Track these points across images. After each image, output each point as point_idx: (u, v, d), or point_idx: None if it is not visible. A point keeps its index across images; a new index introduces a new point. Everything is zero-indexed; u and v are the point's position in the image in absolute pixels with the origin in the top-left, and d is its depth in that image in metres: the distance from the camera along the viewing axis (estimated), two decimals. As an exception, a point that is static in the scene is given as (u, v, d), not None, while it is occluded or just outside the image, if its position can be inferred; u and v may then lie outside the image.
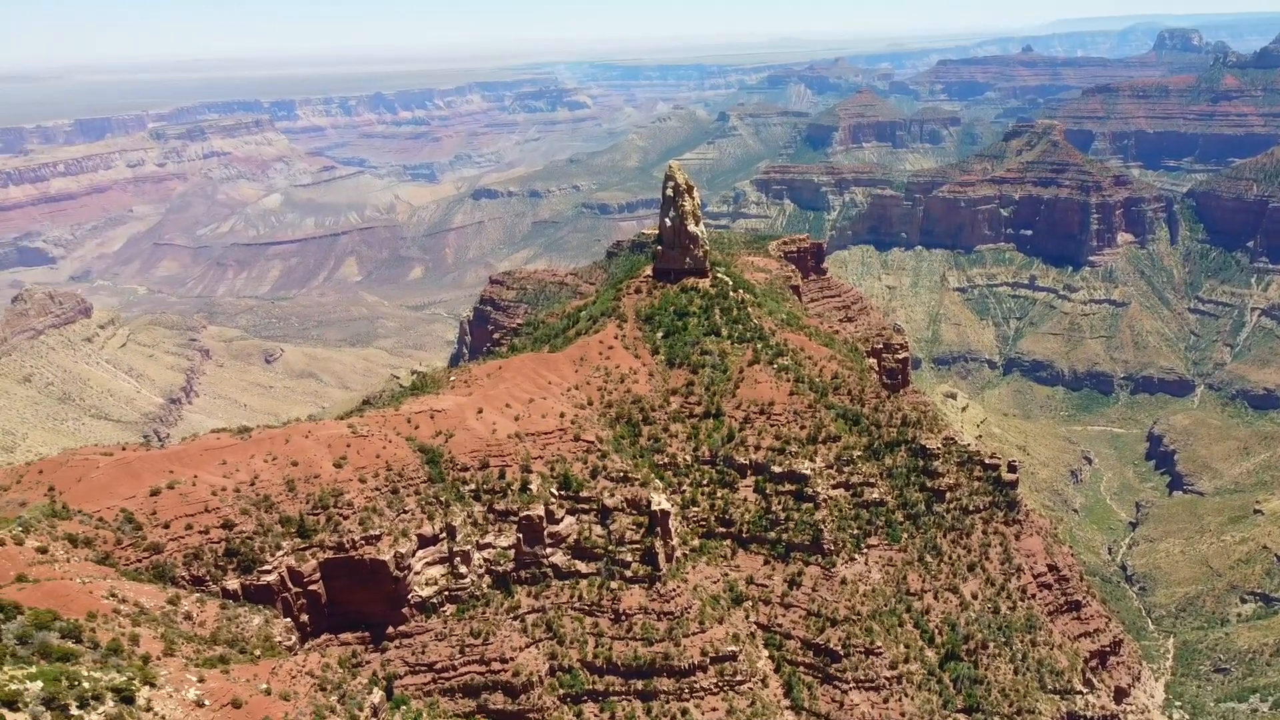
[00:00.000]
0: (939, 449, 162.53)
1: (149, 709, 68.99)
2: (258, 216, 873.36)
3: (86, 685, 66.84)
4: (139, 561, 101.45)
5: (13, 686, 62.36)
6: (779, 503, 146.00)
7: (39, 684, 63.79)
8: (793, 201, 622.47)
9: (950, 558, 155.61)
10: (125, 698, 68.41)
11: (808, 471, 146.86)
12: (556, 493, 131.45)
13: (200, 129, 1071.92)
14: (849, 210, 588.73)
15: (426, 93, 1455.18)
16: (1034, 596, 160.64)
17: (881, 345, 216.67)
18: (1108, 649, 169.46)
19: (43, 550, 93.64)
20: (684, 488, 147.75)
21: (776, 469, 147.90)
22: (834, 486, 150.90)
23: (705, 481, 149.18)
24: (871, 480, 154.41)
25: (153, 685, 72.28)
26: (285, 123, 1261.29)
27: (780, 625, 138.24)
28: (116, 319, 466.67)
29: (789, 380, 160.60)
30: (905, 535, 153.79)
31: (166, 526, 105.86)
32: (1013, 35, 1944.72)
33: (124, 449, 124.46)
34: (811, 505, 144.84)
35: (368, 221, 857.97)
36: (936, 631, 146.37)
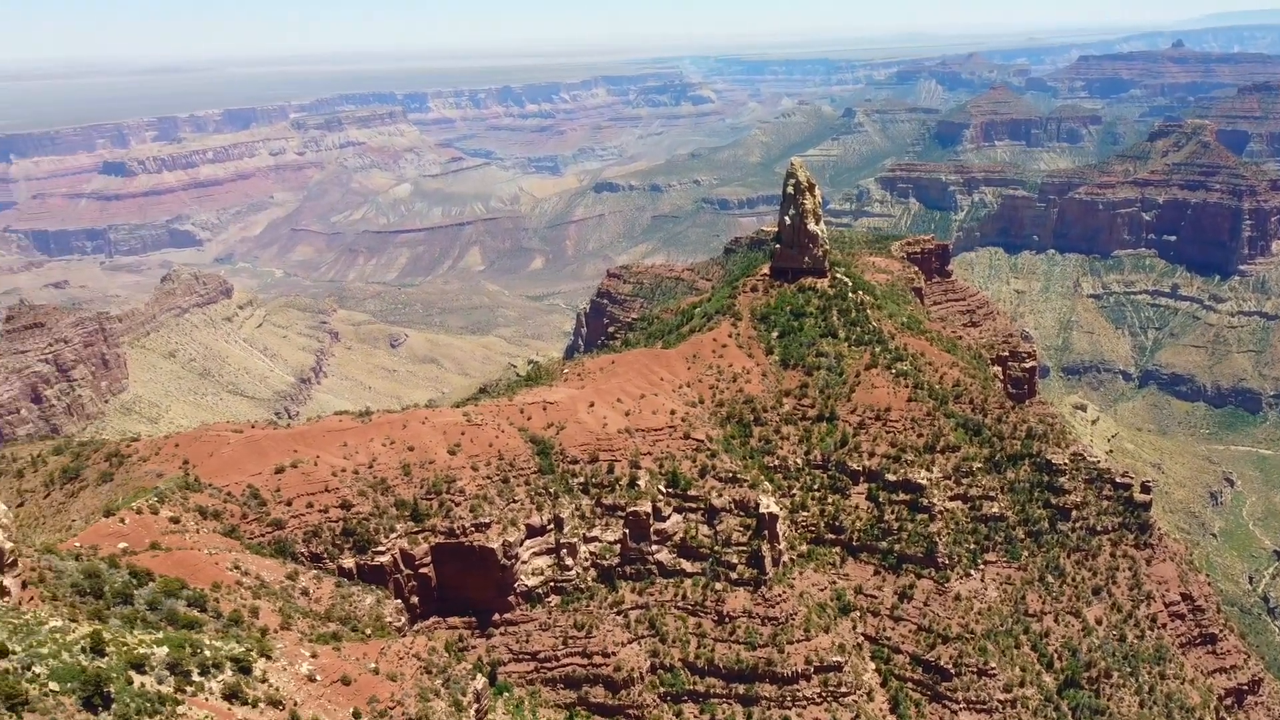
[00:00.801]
0: (1066, 464, 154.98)
1: (264, 680, 71.58)
2: (388, 205, 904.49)
3: (208, 654, 69.74)
4: (262, 536, 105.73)
5: (141, 650, 65.55)
6: (892, 512, 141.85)
7: (165, 649, 66.91)
8: (918, 201, 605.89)
9: (1074, 580, 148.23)
10: (243, 668, 71.13)
11: (924, 481, 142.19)
12: (664, 490, 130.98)
13: (338, 120, 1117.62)
14: (978, 211, 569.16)
15: (553, 86, 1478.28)
16: (1164, 626, 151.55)
17: (1007, 353, 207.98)
18: (1245, 687, 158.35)
19: (175, 520, 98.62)
20: (794, 491, 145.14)
21: (891, 477, 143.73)
22: (951, 498, 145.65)
23: (816, 486, 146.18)
24: (991, 494, 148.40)
25: (269, 658, 74.94)
26: (417, 115, 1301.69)
27: (889, 638, 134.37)
28: (255, 300, 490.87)
29: (907, 386, 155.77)
30: (1026, 553, 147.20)
31: (289, 504, 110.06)
32: (1162, 29, 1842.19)
33: (253, 426, 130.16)
34: (926, 516, 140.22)
35: (492, 212, 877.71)
36: (1056, 656, 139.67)
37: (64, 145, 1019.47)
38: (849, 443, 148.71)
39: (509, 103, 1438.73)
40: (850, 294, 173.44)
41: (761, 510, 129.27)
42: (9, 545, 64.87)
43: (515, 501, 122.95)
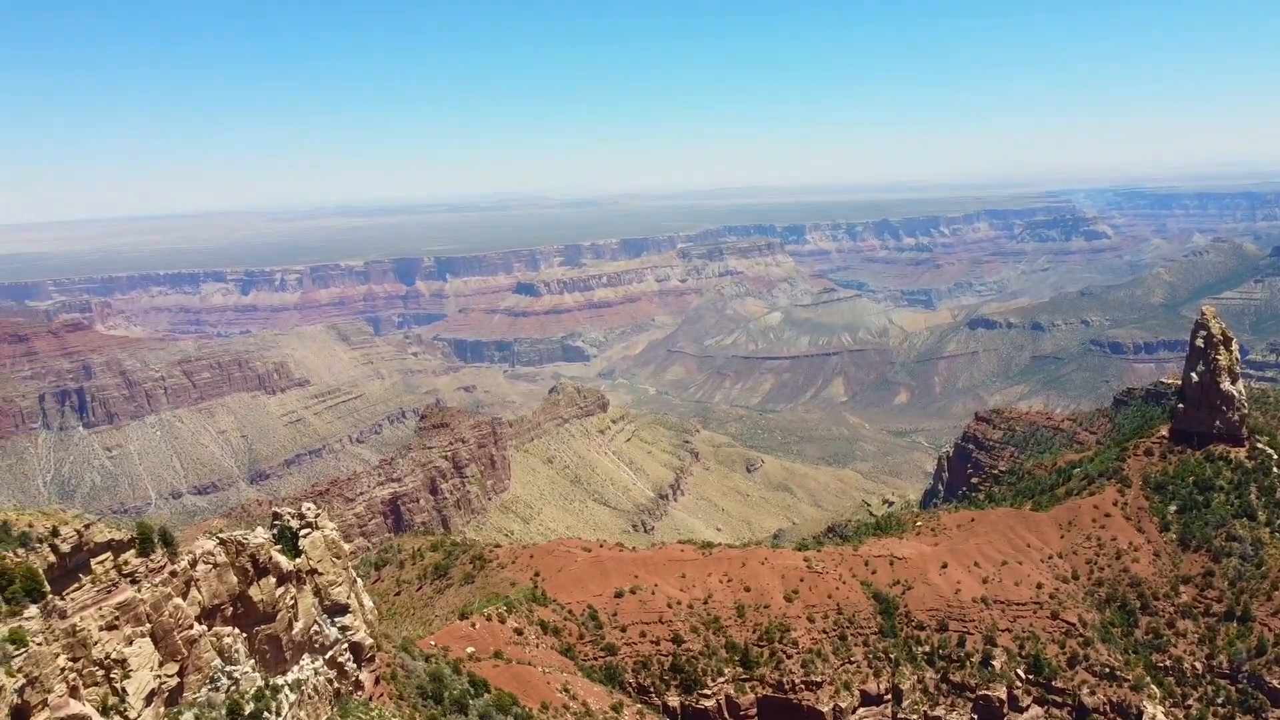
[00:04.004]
0: None
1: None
2: (759, 332, 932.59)
3: (524, 780, 70.37)
4: (595, 660, 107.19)
5: (464, 766, 67.49)
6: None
7: (486, 770, 68.42)
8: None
9: None
10: (553, 802, 70.81)
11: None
12: (1023, 675, 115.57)
13: (719, 250, 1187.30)
14: None
15: (932, 220, 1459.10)
16: None
17: None
18: None
19: (519, 632, 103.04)
20: (1190, 703, 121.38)
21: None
22: None
23: (1221, 700, 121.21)
24: None
25: (580, 795, 74.08)
26: (794, 246, 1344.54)
27: None
28: (627, 415, 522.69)
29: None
30: None
31: (623, 630, 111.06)
32: None
33: (601, 546, 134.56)
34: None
35: (859, 343, 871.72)
36: None
37: (488, 267, 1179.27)
38: (1268, 652, 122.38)
39: (885, 235, 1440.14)
40: (1276, 468, 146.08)
41: (1145, 718, 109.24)
42: (369, 641, 70.10)
43: (851, 662, 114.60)
